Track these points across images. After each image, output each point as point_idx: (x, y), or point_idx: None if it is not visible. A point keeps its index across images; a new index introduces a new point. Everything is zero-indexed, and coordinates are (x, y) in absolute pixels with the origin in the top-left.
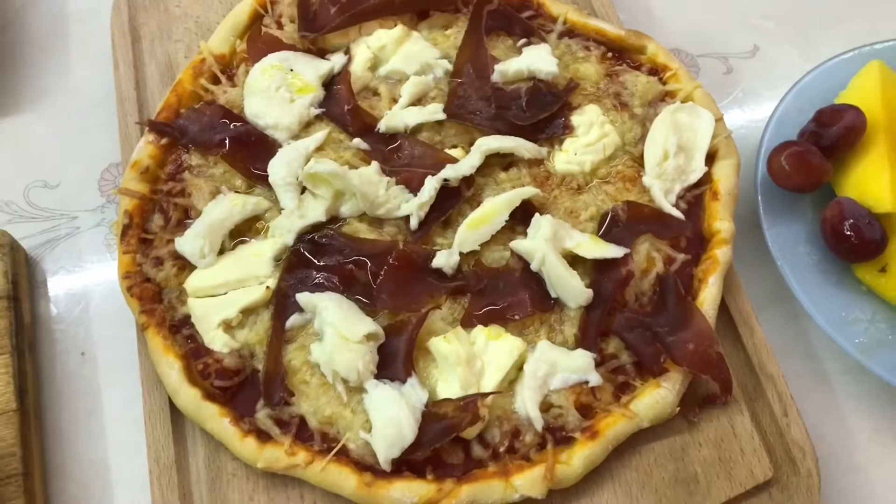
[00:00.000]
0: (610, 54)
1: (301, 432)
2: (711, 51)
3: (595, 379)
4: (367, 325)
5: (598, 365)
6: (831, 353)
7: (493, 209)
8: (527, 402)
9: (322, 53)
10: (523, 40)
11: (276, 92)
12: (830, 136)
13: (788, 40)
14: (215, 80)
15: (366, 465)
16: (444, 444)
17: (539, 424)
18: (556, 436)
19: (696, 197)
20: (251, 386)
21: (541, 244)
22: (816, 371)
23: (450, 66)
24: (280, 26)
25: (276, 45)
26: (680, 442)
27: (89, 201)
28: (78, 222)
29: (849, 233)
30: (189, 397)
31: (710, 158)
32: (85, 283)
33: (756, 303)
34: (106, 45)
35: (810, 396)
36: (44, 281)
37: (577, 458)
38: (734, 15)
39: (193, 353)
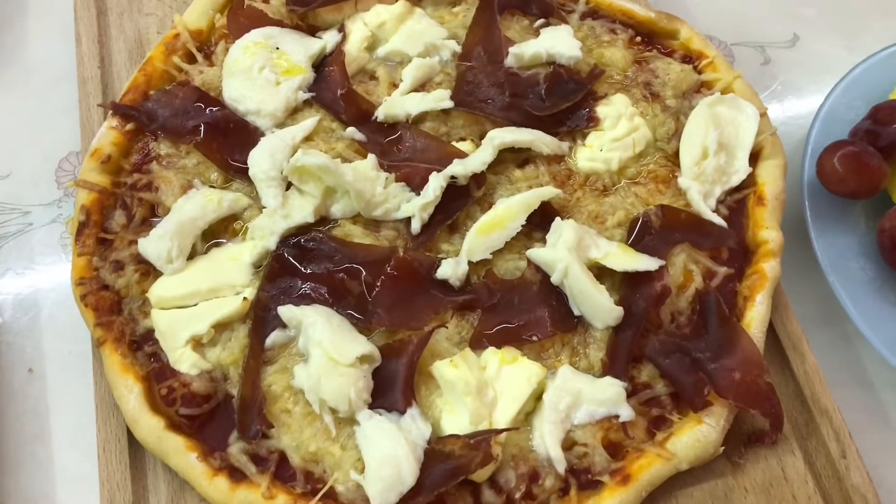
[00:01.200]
0: (638, 38)
1: (281, 470)
2: (747, 39)
3: (626, 413)
4: (361, 345)
5: (629, 395)
6: (890, 381)
7: (507, 212)
8: (546, 439)
9: (312, 31)
10: (541, 21)
11: (260, 73)
12: (890, 135)
13: (831, 29)
14: (190, 59)
15: None
16: (451, 488)
17: (561, 466)
18: (581, 479)
19: (738, 202)
20: (223, 414)
21: (563, 254)
22: (872, 403)
23: (458, 48)
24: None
25: (261, 20)
26: (723, 486)
27: (44, 194)
28: (30, 217)
29: None
30: (150, 427)
31: (753, 158)
32: (36, 288)
33: (802, 322)
34: (68, 16)
35: (866, 432)
36: None
37: None
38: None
39: (157, 374)
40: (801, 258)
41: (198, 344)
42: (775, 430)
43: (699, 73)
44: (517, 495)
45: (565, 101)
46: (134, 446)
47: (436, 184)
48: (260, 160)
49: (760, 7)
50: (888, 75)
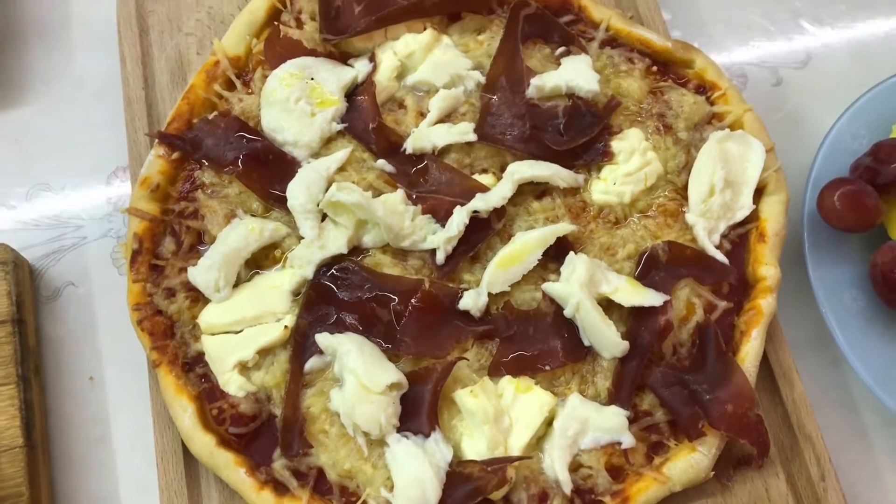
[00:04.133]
0: (654, 68)
1: (319, 484)
2: (760, 59)
3: (628, 441)
4: (391, 373)
5: (631, 422)
6: (872, 405)
7: (525, 247)
8: (556, 463)
9: (345, 57)
10: (562, 49)
11: (296, 104)
12: (888, 175)
13: (843, 49)
14: (230, 85)
15: None
16: None
17: (568, 488)
18: (585, 499)
19: (740, 236)
20: (268, 432)
21: (575, 289)
22: (855, 423)
23: (482, 79)
24: (300, 24)
25: (296, 50)
26: None
27: (95, 209)
28: (84, 231)
29: None
30: (203, 444)
31: (758, 192)
32: (92, 299)
33: (795, 346)
34: (110, 28)
35: (847, 451)
36: (49, 297)
37: None
38: (786, 18)
39: (208, 394)
40: (798, 284)
41: (244, 368)
42: (761, 456)
43: (711, 104)
44: None
45: (582, 136)
46: (188, 456)
47: (459, 219)
48: (298, 193)
49: (775, 27)
50: (892, 105)
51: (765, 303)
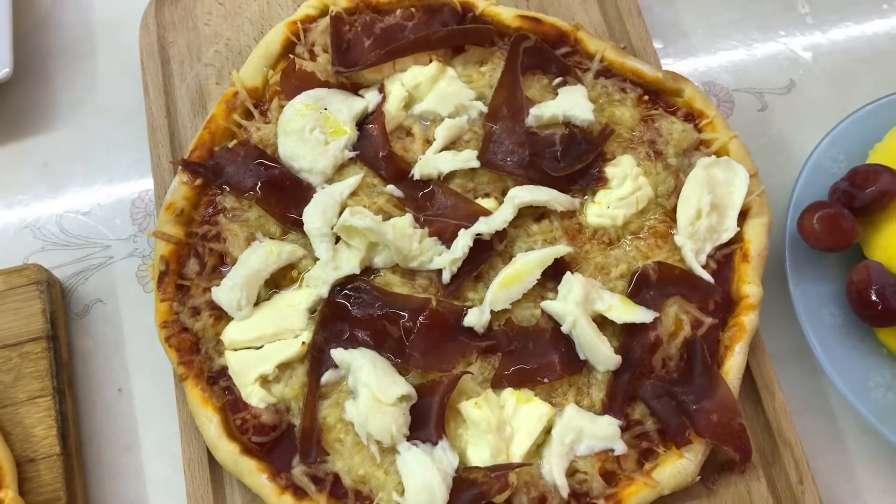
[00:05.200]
0: (646, 97)
1: (335, 489)
2: (747, 85)
3: (620, 448)
4: (401, 386)
5: (623, 430)
6: (848, 413)
7: (524, 268)
8: (554, 469)
9: (356, 88)
10: (559, 79)
11: (311, 134)
12: (863, 199)
13: (826, 76)
14: (248, 115)
15: None
16: None
17: (565, 492)
18: (581, 502)
19: (725, 256)
20: (287, 440)
21: (572, 308)
22: (832, 430)
23: (484, 108)
24: (313, 56)
25: (310, 82)
26: None
27: (121, 229)
28: (111, 251)
29: (874, 299)
30: (228, 452)
31: (742, 215)
32: (119, 315)
33: (777, 357)
34: (133, 57)
35: (824, 456)
36: (79, 313)
37: None
38: (771, 47)
39: (231, 406)
40: (780, 300)
41: (265, 381)
42: (744, 461)
43: (699, 131)
44: None
45: (578, 163)
46: (213, 463)
47: (464, 241)
48: (313, 217)
49: (760, 53)
50: (870, 130)
51: (748, 319)
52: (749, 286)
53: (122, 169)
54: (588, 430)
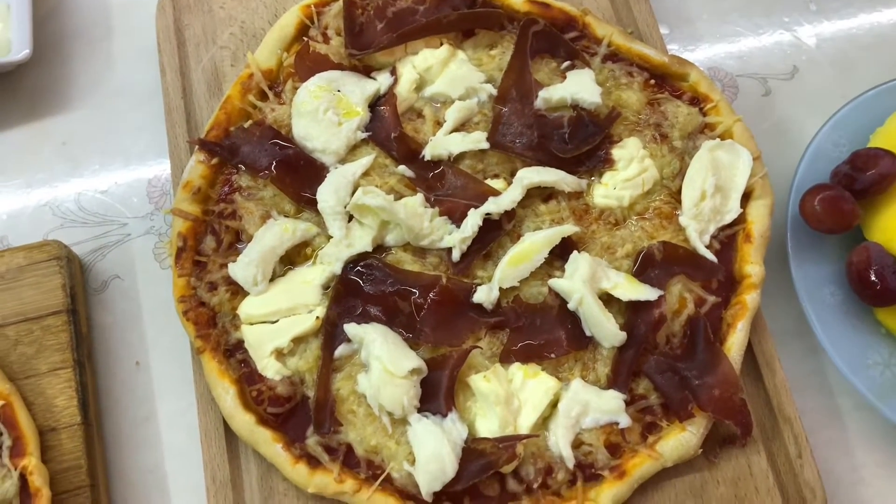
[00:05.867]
0: (652, 81)
1: (348, 459)
2: (751, 70)
3: (625, 421)
4: (412, 360)
5: (627, 404)
6: (846, 390)
7: (532, 247)
8: (560, 441)
9: (368, 70)
10: (567, 63)
11: (325, 115)
12: (864, 182)
13: (829, 62)
14: (263, 96)
15: (408, 494)
16: (483, 478)
17: (571, 463)
18: (586, 473)
19: (728, 237)
20: (302, 411)
21: (578, 285)
22: (830, 406)
23: (494, 91)
24: (326, 39)
25: (324, 64)
26: (700, 480)
27: (138, 207)
28: (128, 229)
29: (874, 279)
30: (244, 422)
31: (745, 197)
32: (136, 290)
33: (778, 335)
34: (149, 39)
35: (823, 431)
36: (97, 289)
37: (604, 497)
38: (775, 32)
39: (247, 378)
40: (781, 281)
41: (280, 354)
42: (745, 435)
43: (704, 115)
44: (535, 485)
45: (586, 145)
46: (229, 433)
47: (473, 221)
48: (327, 196)
49: (764, 39)
50: (872, 115)
51: (750, 298)
52: (751, 266)
53: (138, 149)
54: (593, 404)
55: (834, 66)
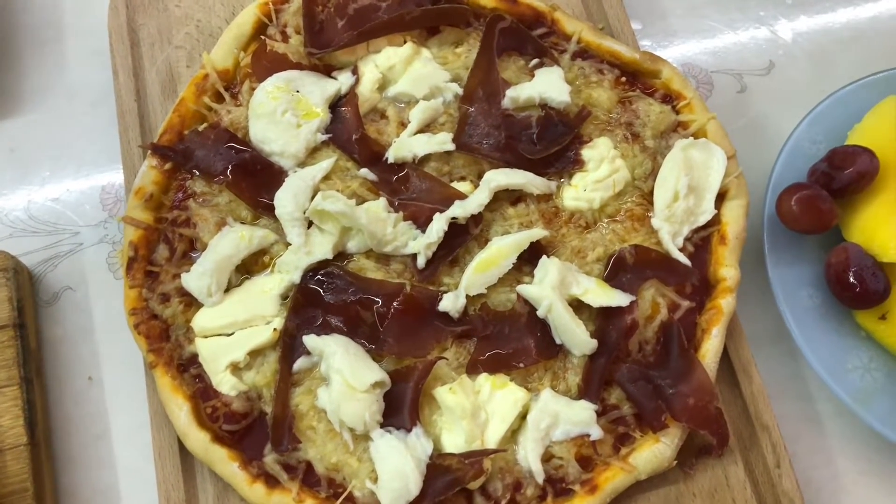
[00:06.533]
0: (623, 78)
1: (308, 477)
2: (726, 66)
3: (596, 433)
4: (374, 372)
5: (599, 415)
6: (825, 395)
7: (500, 252)
8: (529, 455)
9: (328, 70)
10: (535, 60)
11: (282, 116)
12: (842, 180)
13: (805, 57)
14: (218, 98)
15: None
16: (448, 495)
17: (540, 478)
18: (556, 487)
19: (703, 239)
20: (259, 428)
21: (548, 292)
22: (810, 412)
23: (460, 91)
24: (285, 38)
25: (282, 64)
26: (675, 492)
27: (91, 215)
28: (80, 238)
29: (853, 281)
30: (198, 440)
31: (720, 197)
32: (89, 302)
33: (755, 340)
34: (102, 40)
35: (802, 438)
36: (48, 301)
37: None
38: (750, 27)
39: (202, 394)
40: (758, 282)
41: (236, 368)
42: (721, 446)
43: (677, 112)
44: (503, 502)
45: (555, 145)
46: (184, 451)
47: (438, 226)
48: (285, 201)
49: (739, 35)
50: (850, 111)
51: (725, 302)
52: (726, 269)
53: (91, 154)
54: (564, 415)
55: (811, 61)
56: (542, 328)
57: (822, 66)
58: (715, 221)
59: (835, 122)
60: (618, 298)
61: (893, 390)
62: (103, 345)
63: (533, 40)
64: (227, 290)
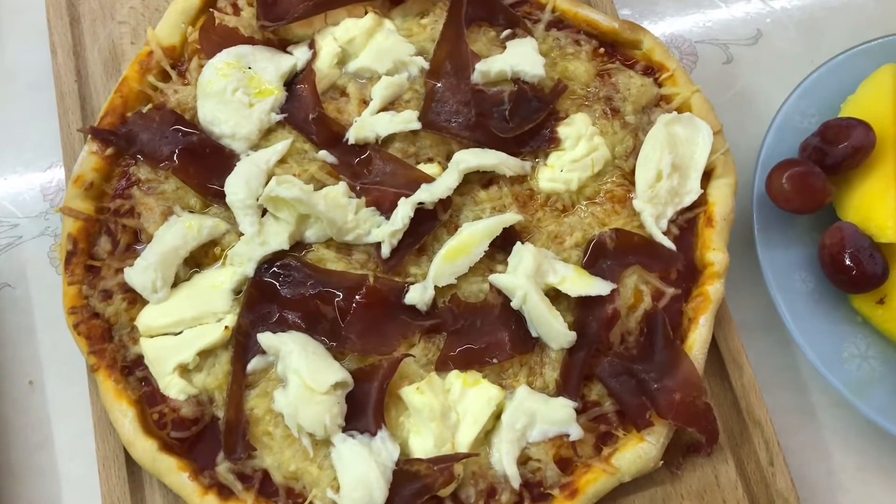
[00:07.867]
0: (602, 49)
1: (265, 487)
2: (711, 36)
3: (576, 432)
4: (335, 372)
5: (579, 413)
6: (820, 385)
7: (471, 238)
8: (504, 458)
9: (283, 44)
10: (507, 31)
11: (233, 95)
12: (835, 156)
13: (795, 25)
14: (165, 76)
15: None
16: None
17: (516, 482)
18: (534, 492)
19: (688, 221)
20: (211, 435)
21: (522, 281)
22: (804, 405)
23: (425, 65)
24: (236, 11)
25: (232, 38)
26: (662, 494)
27: (31, 206)
28: (20, 230)
29: (849, 263)
30: (144, 449)
31: (706, 176)
32: (30, 300)
33: (745, 328)
34: (40, 17)
35: (797, 433)
36: None
37: None
38: None
39: (148, 398)
40: (748, 266)
41: (184, 370)
42: (710, 443)
43: (659, 85)
44: None
45: (529, 122)
46: (131, 461)
47: (404, 212)
48: (236, 188)
49: (725, 3)
50: (841, 82)
51: (712, 289)
52: (714, 253)
53: (31, 140)
54: (541, 414)
55: (801, 30)
56: (516, 320)
57: (812, 35)
58: (701, 202)
59: (827, 93)
60: (598, 287)
61: (892, 379)
62: (45, 346)
63: (504, 9)
64: (174, 286)
